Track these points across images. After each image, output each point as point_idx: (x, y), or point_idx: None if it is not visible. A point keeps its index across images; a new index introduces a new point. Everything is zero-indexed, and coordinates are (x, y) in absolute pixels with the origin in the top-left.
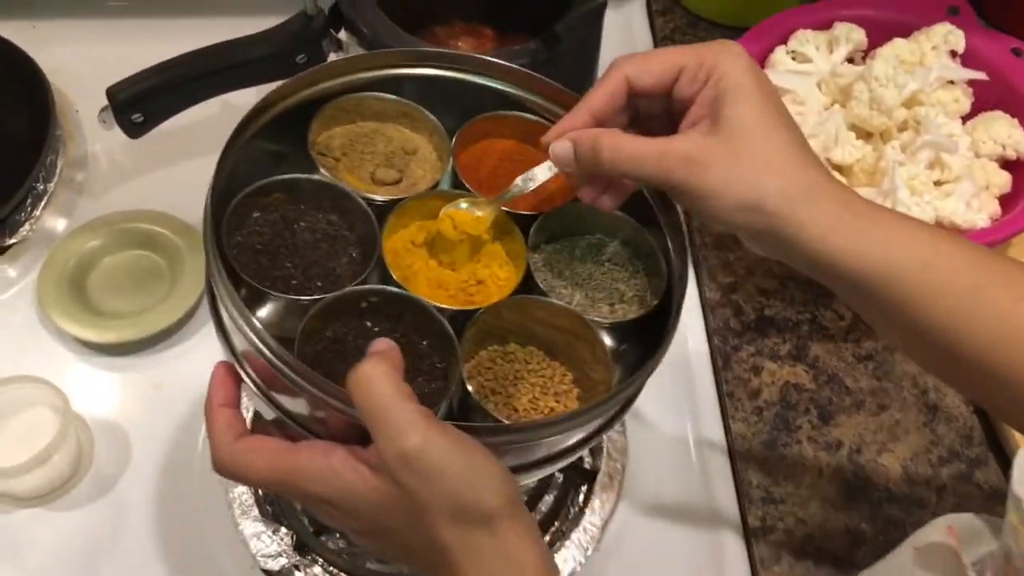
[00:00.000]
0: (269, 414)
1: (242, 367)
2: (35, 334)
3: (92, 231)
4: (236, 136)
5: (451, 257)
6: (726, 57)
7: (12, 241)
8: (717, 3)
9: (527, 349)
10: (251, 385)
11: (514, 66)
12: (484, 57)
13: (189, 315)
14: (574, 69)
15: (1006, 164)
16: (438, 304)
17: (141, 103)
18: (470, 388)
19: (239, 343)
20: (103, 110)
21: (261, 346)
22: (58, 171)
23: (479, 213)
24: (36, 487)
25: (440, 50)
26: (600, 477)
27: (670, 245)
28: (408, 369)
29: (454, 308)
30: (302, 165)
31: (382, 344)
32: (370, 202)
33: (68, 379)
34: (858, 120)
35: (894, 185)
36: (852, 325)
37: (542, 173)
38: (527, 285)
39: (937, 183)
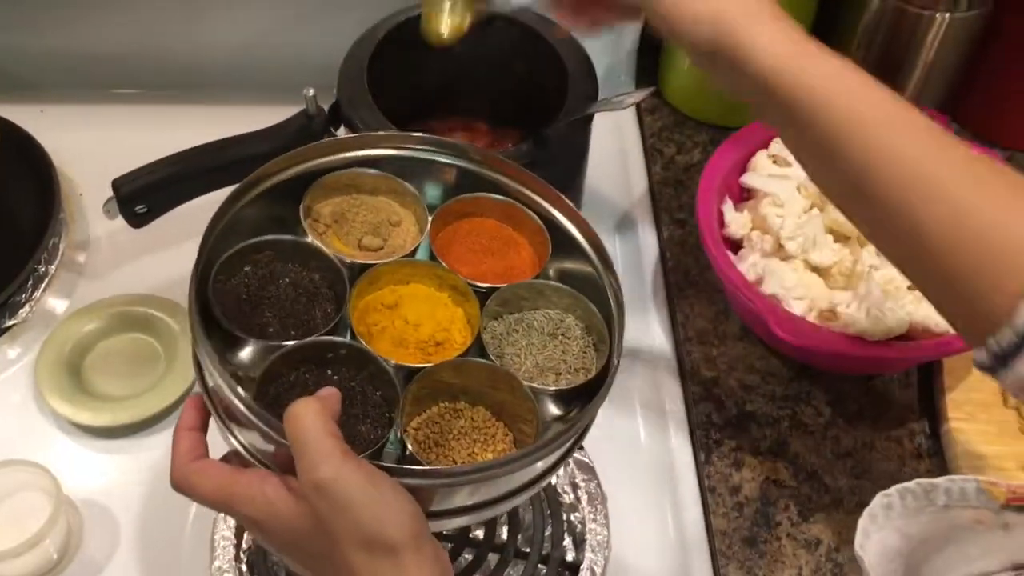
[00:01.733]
0: (230, 445)
1: (211, 401)
2: (30, 415)
3: (90, 314)
4: (232, 199)
5: (416, 316)
6: None
7: (12, 322)
8: (703, 104)
9: (475, 408)
10: (216, 417)
11: (497, 155)
12: (467, 144)
13: (182, 399)
14: (563, 169)
15: None
16: (394, 361)
17: (145, 196)
18: (408, 441)
19: (209, 380)
20: (108, 201)
21: (221, 383)
22: (60, 253)
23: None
24: (24, 572)
25: (425, 135)
26: (582, 571)
27: (614, 319)
28: (358, 415)
29: (408, 364)
30: (297, 230)
31: (325, 390)
32: (351, 265)
33: (61, 461)
34: (835, 224)
35: (869, 289)
36: (831, 422)
37: None
38: (483, 350)
39: (912, 288)
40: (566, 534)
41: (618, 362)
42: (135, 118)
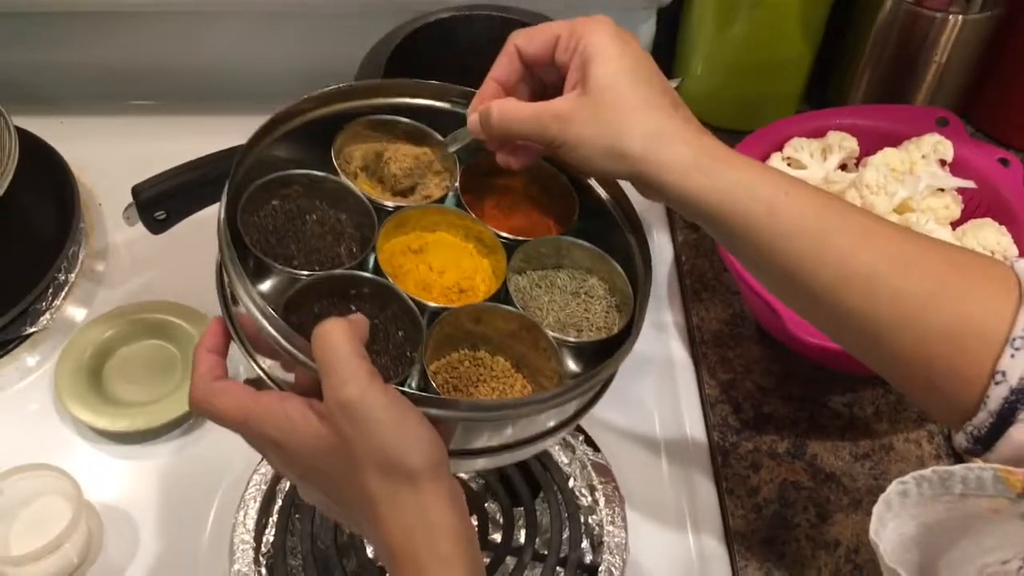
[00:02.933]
0: (252, 372)
1: (234, 327)
2: (51, 421)
3: (109, 321)
4: (261, 133)
5: (441, 264)
6: (591, 26)
7: (32, 330)
8: (717, 108)
9: (495, 358)
10: (238, 343)
11: None
12: None
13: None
14: None
15: None
16: (419, 300)
17: (164, 201)
18: (431, 380)
19: (235, 303)
20: (128, 208)
21: (248, 302)
22: (79, 262)
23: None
24: (45, 575)
25: (464, 88)
26: (600, 574)
27: (640, 280)
28: (380, 352)
29: (431, 305)
30: (327, 171)
31: (354, 316)
32: (379, 207)
33: (81, 466)
34: None
35: None
36: (849, 423)
37: (464, 135)
38: (506, 302)
39: None
40: (584, 536)
41: (642, 322)
42: (152, 128)
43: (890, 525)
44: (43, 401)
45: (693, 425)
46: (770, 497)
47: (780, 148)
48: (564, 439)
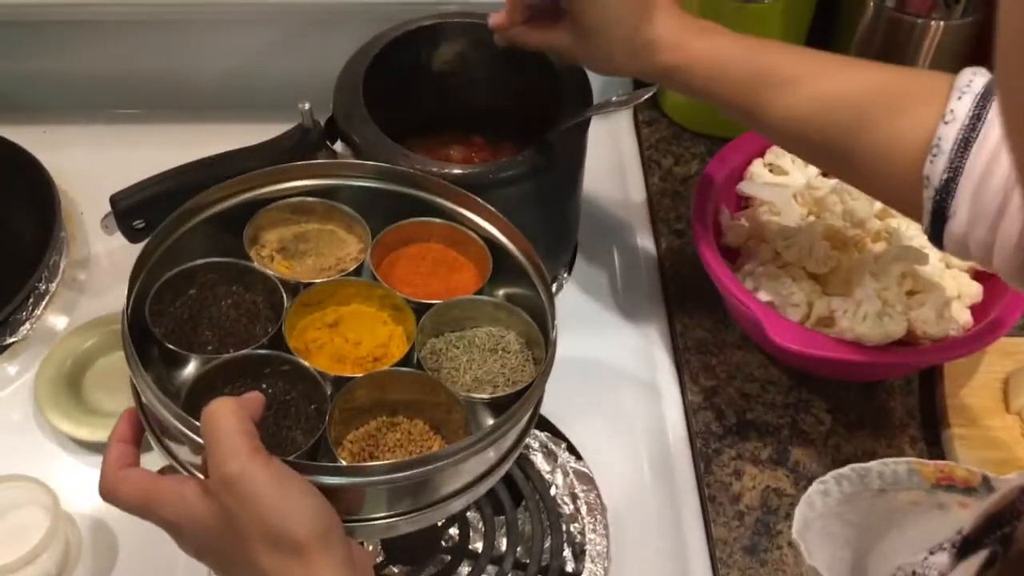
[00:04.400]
0: (165, 459)
1: (145, 417)
2: (30, 431)
3: (90, 331)
4: (173, 224)
5: (356, 335)
6: None
7: (12, 339)
8: (700, 115)
9: (412, 421)
10: (150, 433)
11: (443, 181)
12: (413, 171)
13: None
14: (562, 176)
15: (977, 274)
16: (332, 373)
17: (143, 210)
18: (339, 452)
19: (141, 395)
20: (106, 216)
21: (145, 389)
22: (60, 271)
23: None
24: None
25: (370, 163)
26: None
27: (549, 328)
28: (291, 427)
29: (340, 375)
30: (243, 257)
31: (249, 394)
32: (295, 286)
33: (60, 477)
34: (832, 231)
35: (866, 295)
36: (831, 430)
37: None
38: (421, 367)
39: (909, 293)
40: (566, 545)
41: (547, 375)
42: (136, 137)
43: (815, 525)
44: (23, 411)
45: (676, 432)
46: (753, 504)
47: (762, 154)
48: (546, 447)
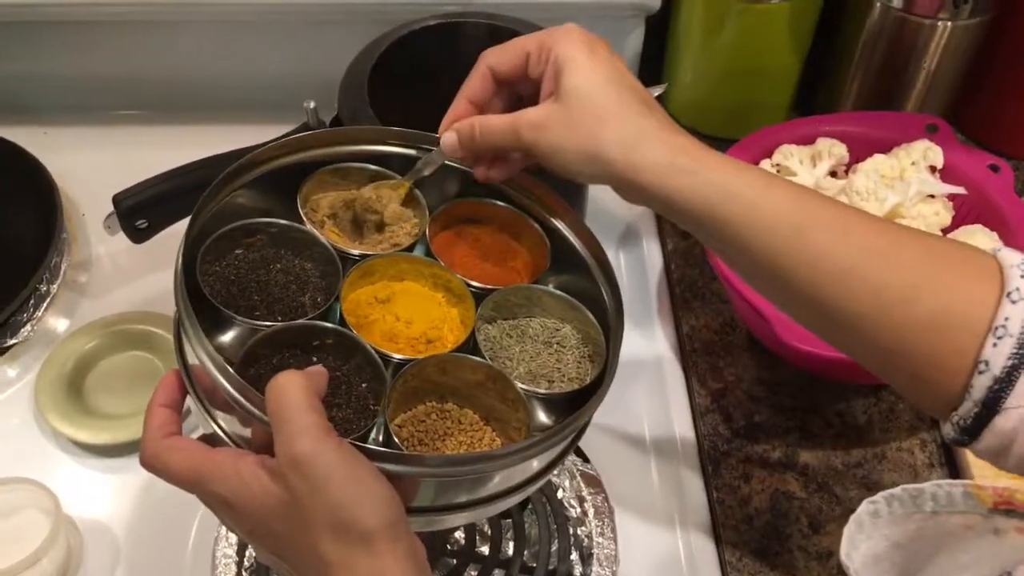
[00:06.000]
0: (208, 429)
1: (190, 380)
2: (31, 434)
3: (91, 332)
4: (225, 180)
5: (408, 314)
6: (560, 36)
7: (13, 341)
8: (706, 116)
9: (463, 411)
10: (194, 398)
11: None
12: None
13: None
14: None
15: None
16: (384, 351)
17: (145, 210)
18: (393, 436)
19: (190, 356)
20: (108, 216)
21: (203, 355)
22: (62, 273)
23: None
24: None
25: (433, 135)
26: None
27: (611, 327)
28: (342, 404)
29: (396, 356)
30: (292, 217)
31: (313, 368)
32: (345, 256)
33: (61, 480)
34: None
35: None
36: (840, 432)
37: (437, 157)
38: (475, 352)
39: None
40: (573, 548)
41: (614, 371)
42: (138, 138)
43: (862, 546)
44: (23, 414)
45: (683, 434)
46: (761, 507)
47: (769, 155)
48: None
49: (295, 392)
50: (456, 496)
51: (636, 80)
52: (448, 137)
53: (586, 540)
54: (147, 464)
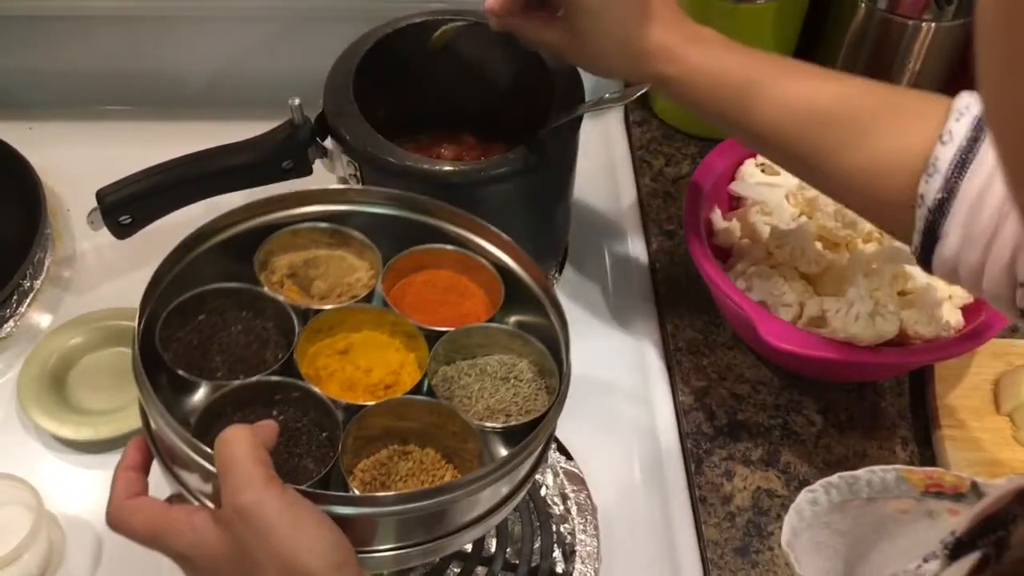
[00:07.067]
0: (173, 488)
1: (154, 443)
2: (13, 430)
3: (74, 328)
4: (183, 248)
5: (367, 362)
6: None
7: None
8: (691, 116)
9: (424, 450)
10: (159, 460)
11: (455, 208)
12: (420, 196)
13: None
14: (554, 175)
15: None
16: (343, 401)
17: (129, 206)
18: (352, 481)
19: (152, 421)
20: (92, 212)
21: (156, 415)
22: (45, 268)
23: None
24: None
25: (377, 189)
26: None
27: (563, 359)
28: (302, 454)
29: (352, 403)
30: (253, 282)
31: (263, 422)
32: (305, 312)
33: (43, 476)
34: (824, 231)
35: (858, 295)
36: (822, 431)
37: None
38: (432, 395)
39: (901, 293)
40: (555, 546)
41: (562, 404)
42: (123, 134)
43: (804, 535)
44: (5, 409)
45: (666, 433)
46: (744, 505)
47: (754, 155)
48: None
49: (240, 444)
50: (419, 532)
51: None
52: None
53: (569, 537)
54: (112, 525)
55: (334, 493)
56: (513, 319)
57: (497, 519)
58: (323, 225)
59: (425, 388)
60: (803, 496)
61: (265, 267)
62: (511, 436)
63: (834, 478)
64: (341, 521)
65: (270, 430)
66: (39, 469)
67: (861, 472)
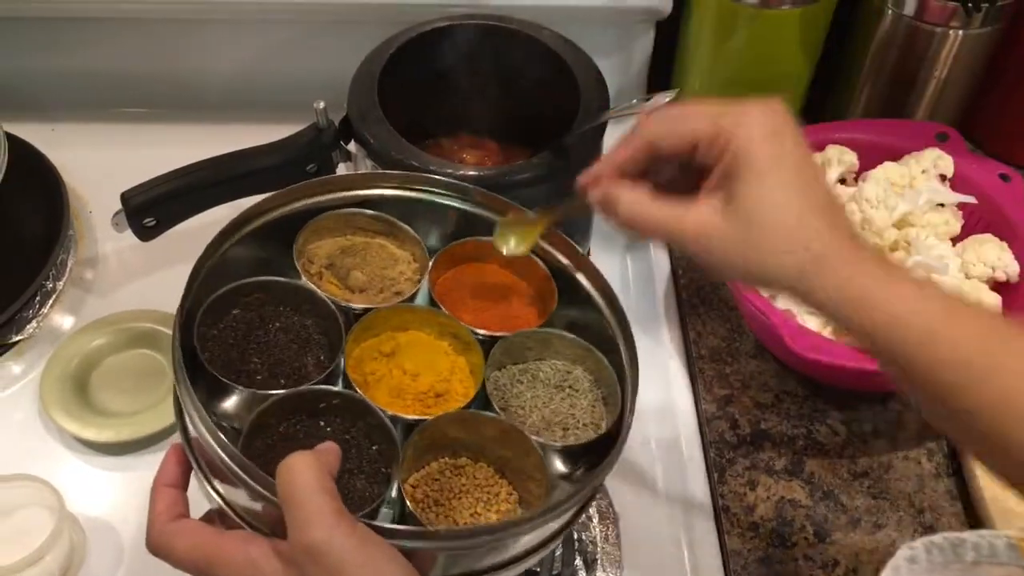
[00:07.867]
0: (213, 503)
1: (192, 453)
2: (35, 431)
3: (97, 330)
4: (220, 238)
5: (415, 366)
6: (740, 123)
7: (18, 338)
8: None
9: (477, 464)
10: (197, 472)
11: (503, 198)
12: (474, 187)
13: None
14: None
15: (996, 286)
16: (392, 412)
17: (154, 208)
18: (407, 499)
19: (192, 430)
20: (116, 214)
21: (205, 432)
22: (68, 270)
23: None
24: None
25: (425, 175)
26: None
27: (627, 376)
28: (353, 471)
29: (406, 417)
30: (289, 271)
31: (324, 445)
32: (346, 310)
33: (65, 477)
34: None
35: None
36: (847, 441)
37: (568, 205)
38: (487, 402)
39: None
40: (577, 554)
41: (631, 420)
42: (145, 136)
43: None
44: (28, 410)
45: (689, 441)
46: (767, 515)
47: None
48: None
49: (305, 474)
50: (474, 562)
51: (821, 175)
52: (595, 195)
53: (590, 546)
54: (153, 549)
55: (405, 528)
56: (565, 320)
57: (556, 543)
58: (368, 212)
59: (480, 398)
60: (902, 552)
61: (303, 255)
62: (567, 451)
63: (937, 537)
64: (406, 553)
65: (333, 455)
66: (61, 471)
67: (968, 534)
